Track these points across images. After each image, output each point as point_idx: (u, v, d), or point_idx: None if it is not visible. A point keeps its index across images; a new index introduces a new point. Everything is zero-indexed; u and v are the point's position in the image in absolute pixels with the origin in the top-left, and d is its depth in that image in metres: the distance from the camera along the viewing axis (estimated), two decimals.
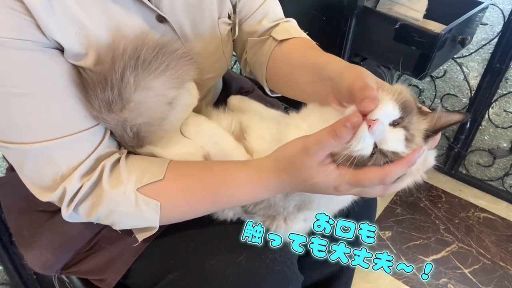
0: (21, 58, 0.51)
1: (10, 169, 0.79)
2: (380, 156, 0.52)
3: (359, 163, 0.52)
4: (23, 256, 0.72)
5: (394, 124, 0.53)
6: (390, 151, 0.52)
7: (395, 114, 0.53)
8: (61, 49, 0.55)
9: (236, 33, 0.78)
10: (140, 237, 0.64)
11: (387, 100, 0.52)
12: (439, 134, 0.56)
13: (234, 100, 0.82)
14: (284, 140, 0.60)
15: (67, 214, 0.58)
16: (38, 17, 0.50)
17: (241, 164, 0.61)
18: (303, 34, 0.79)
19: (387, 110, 0.52)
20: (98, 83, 0.54)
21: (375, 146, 0.52)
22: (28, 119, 0.53)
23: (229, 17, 0.75)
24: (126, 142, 0.61)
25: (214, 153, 0.66)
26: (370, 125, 0.50)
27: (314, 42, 0.77)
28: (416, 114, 0.55)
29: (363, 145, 0.51)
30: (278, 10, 0.82)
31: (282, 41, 0.75)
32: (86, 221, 0.61)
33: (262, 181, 0.58)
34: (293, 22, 0.83)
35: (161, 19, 0.63)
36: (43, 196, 0.58)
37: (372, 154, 0.52)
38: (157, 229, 0.62)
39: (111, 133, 0.61)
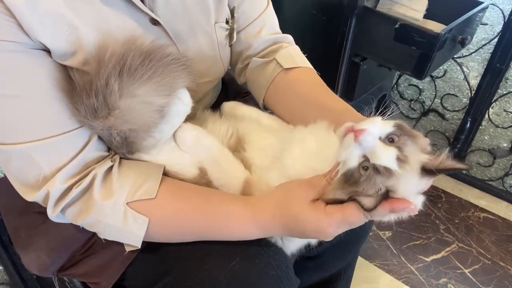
0: (3, 60, 0.51)
1: None
2: (373, 172, 0.52)
3: (352, 178, 0.53)
4: (20, 257, 0.72)
5: (389, 140, 0.53)
6: (382, 167, 0.51)
7: (386, 128, 0.53)
8: (46, 50, 0.54)
9: (234, 39, 0.77)
10: (128, 247, 0.64)
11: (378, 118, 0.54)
12: (431, 182, 0.56)
13: (227, 107, 0.81)
14: (286, 154, 0.61)
15: (53, 215, 0.58)
16: (20, 17, 0.50)
17: (237, 200, 0.61)
18: (307, 63, 0.81)
19: (376, 122, 0.53)
20: (84, 89, 0.54)
21: (367, 160, 0.52)
22: (11, 120, 0.53)
23: (227, 22, 0.75)
24: (115, 147, 0.61)
25: (212, 170, 0.66)
26: (356, 136, 0.51)
27: (317, 73, 0.79)
28: (413, 141, 0.55)
29: (347, 155, 0.52)
30: (276, 23, 0.83)
31: (287, 69, 0.77)
32: (72, 223, 0.61)
33: (255, 220, 0.59)
34: (291, 42, 0.84)
35: (155, 21, 0.63)
36: (28, 196, 0.58)
37: (366, 168, 0.52)
38: (139, 247, 0.61)
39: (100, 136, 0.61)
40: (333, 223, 0.54)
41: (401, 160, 0.52)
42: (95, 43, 0.57)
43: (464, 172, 1.85)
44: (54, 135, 0.55)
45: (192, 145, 0.66)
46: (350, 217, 0.54)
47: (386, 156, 0.52)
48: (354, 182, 0.53)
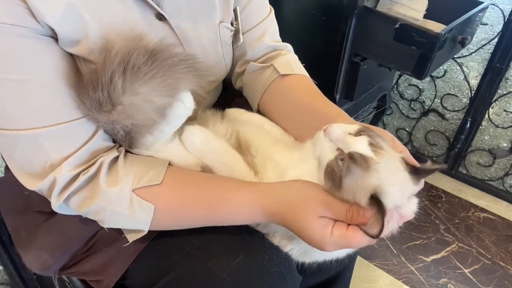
0: (14, 44, 0.51)
1: (7, 167, 0.79)
2: (350, 162, 0.53)
3: (335, 176, 0.54)
4: (21, 256, 0.72)
5: (358, 135, 0.56)
6: (357, 153, 0.52)
7: (353, 127, 0.56)
8: (55, 38, 0.55)
9: (240, 40, 0.78)
10: (130, 238, 0.64)
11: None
12: (422, 182, 0.57)
13: (231, 114, 0.81)
14: (288, 173, 0.62)
15: (56, 204, 0.58)
16: (31, 2, 0.50)
17: (244, 186, 0.62)
18: (303, 70, 0.82)
19: (342, 123, 0.57)
20: (90, 82, 0.54)
21: (342, 153, 0.54)
22: (20, 106, 0.53)
23: (231, 25, 0.75)
24: (120, 140, 0.61)
25: (221, 174, 0.65)
26: (325, 130, 0.55)
27: (312, 80, 0.81)
28: (382, 137, 0.57)
29: (320, 150, 0.55)
30: (277, 31, 0.85)
31: (284, 75, 0.78)
32: (75, 213, 0.60)
33: (261, 204, 0.59)
34: (290, 51, 0.85)
35: (161, 16, 0.63)
36: (31, 184, 0.57)
37: (342, 159, 0.53)
38: (146, 232, 0.61)
39: None
40: (333, 243, 0.56)
41: (374, 145, 0.53)
42: (101, 33, 0.57)
43: (464, 172, 1.85)
44: (63, 122, 0.55)
45: (201, 149, 0.66)
46: (353, 244, 0.55)
47: (357, 142, 0.54)
48: (339, 182, 0.53)
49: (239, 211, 0.60)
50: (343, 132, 0.55)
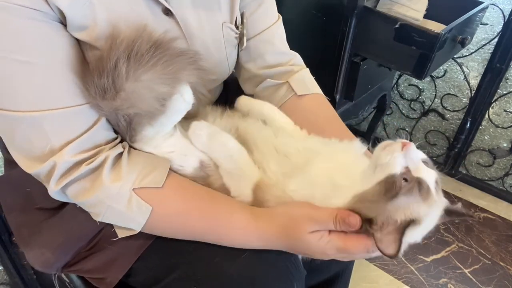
0: (25, 26, 0.52)
1: (8, 164, 0.79)
2: (416, 186, 0.53)
3: (392, 189, 0.54)
4: (24, 254, 0.72)
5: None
6: (426, 183, 0.53)
7: (422, 154, 0.56)
8: (64, 23, 0.56)
9: (244, 44, 0.79)
10: (120, 233, 0.64)
11: None
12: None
13: (242, 103, 0.80)
14: (312, 166, 0.62)
15: (55, 189, 0.57)
16: None
17: (244, 209, 0.63)
18: (317, 88, 0.84)
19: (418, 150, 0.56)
20: (96, 69, 0.55)
21: (408, 172, 0.54)
22: (24, 87, 0.53)
23: (237, 27, 0.76)
24: (121, 131, 0.61)
25: (225, 168, 0.66)
26: (404, 145, 0.54)
27: (327, 99, 0.84)
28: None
29: (391, 159, 0.54)
30: (285, 38, 0.86)
31: (300, 95, 0.80)
32: (70, 202, 0.60)
33: (258, 233, 0.60)
34: (299, 61, 0.86)
35: (167, 11, 0.64)
36: (30, 167, 0.57)
37: (406, 180, 0.54)
38: (137, 232, 0.62)
39: None
40: (333, 248, 0.57)
41: (437, 184, 0.55)
42: (108, 20, 0.58)
43: (464, 172, 1.85)
44: (66, 106, 0.55)
45: (207, 143, 0.66)
46: (351, 248, 0.57)
47: (428, 173, 0.54)
48: (393, 195, 0.54)
49: (234, 233, 0.61)
50: (420, 156, 0.56)
